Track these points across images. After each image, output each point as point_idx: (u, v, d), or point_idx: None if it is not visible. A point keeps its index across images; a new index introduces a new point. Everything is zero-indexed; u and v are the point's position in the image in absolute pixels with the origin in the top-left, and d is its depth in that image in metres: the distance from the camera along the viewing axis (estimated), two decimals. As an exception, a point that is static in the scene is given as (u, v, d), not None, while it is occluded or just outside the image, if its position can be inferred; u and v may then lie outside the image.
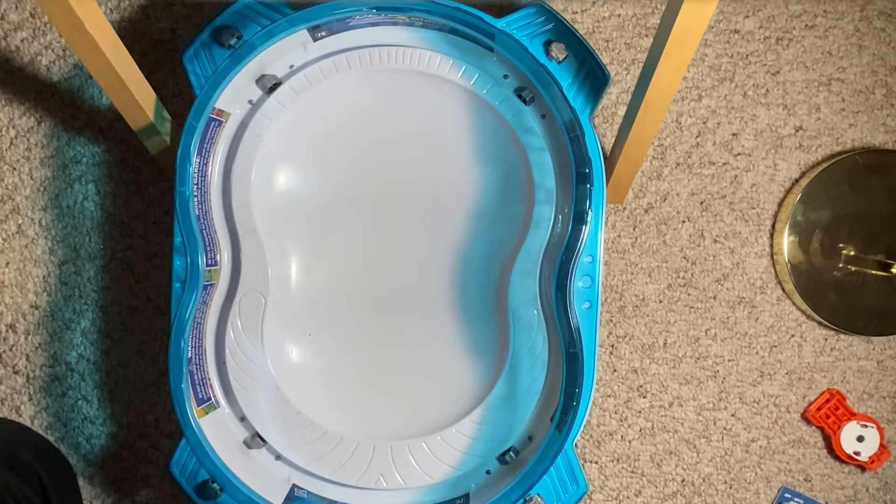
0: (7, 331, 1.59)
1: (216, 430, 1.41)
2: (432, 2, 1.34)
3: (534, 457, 1.38)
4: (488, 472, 1.43)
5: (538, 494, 1.36)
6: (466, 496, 1.41)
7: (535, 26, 1.38)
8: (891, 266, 1.62)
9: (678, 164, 1.64)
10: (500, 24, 1.36)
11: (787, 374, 1.65)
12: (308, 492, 1.42)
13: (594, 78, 1.39)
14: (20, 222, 1.59)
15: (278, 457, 1.43)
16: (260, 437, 1.42)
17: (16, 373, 1.59)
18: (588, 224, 1.37)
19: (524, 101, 1.41)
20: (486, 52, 1.42)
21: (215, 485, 1.36)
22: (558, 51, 1.38)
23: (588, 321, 1.39)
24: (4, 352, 1.59)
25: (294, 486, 1.42)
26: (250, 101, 1.43)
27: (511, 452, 1.41)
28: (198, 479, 1.38)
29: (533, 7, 1.38)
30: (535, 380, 1.43)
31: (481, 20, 1.35)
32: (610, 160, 1.53)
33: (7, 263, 1.59)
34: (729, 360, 1.64)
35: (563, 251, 1.39)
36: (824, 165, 1.62)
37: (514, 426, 1.42)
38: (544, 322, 1.43)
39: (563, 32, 1.38)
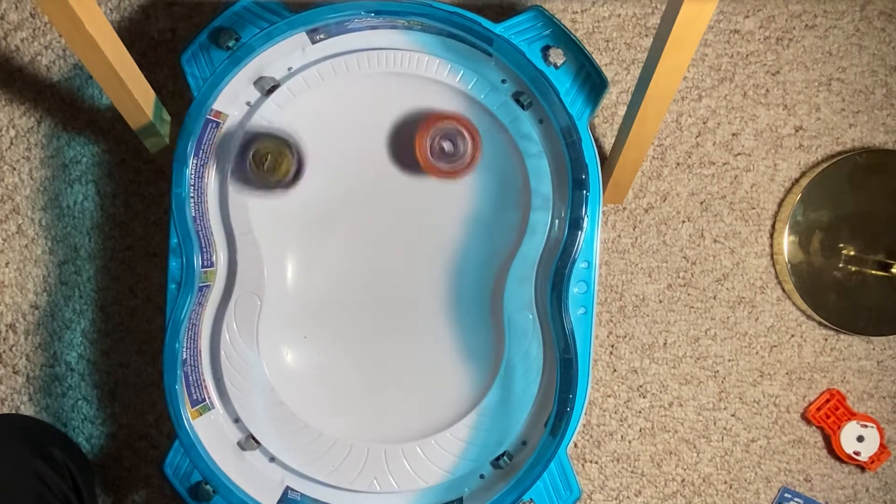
0: (7, 331, 1.60)
1: (210, 432, 1.41)
2: (430, 6, 1.34)
3: (527, 461, 1.38)
4: (482, 477, 1.43)
5: (531, 499, 1.36)
6: (460, 500, 1.41)
7: (534, 31, 1.38)
8: (891, 266, 1.62)
9: (678, 164, 1.64)
10: (499, 29, 1.35)
11: (787, 374, 1.65)
12: (301, 494, 1.42)
13: (592, 83, 1.38)
14: (20, 222, 1.59)
15: (272, 459, 1.43)
16: (254, 438, 1.42)
17: (16, 373, 1.60)
18: (584, 230, 1.37)
19: (522, 106, 1.41)
20: (484, 56, 1.41)
21: (208, 486, 1.36)
22: (556, 56, 1.37)
23: (583, 327, 1.38)
24: (4, 352, 1.60)
25: (287, 488, 1.42)
26: (248, 103, 1.43)
27: (505, 457, 1.41)
28: (191, 481, 1.38)
29: (531, 12, 1.38)
30: (529, 385, 1.43)
31: (479, 25, 1.34)
32: (610, 160, 1.53)
33: (7, 263, 1.59)
34: (729, 360, 1.64)
35: (558, 257, 1.39)
36: (824, 165, 1.62)
37: (508, 431, 1.42)
38: (539, 327, 1.43)
39: (562, 38, 1.38)
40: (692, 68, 1.64)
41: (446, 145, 1.44)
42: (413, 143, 1.45)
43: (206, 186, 1.42)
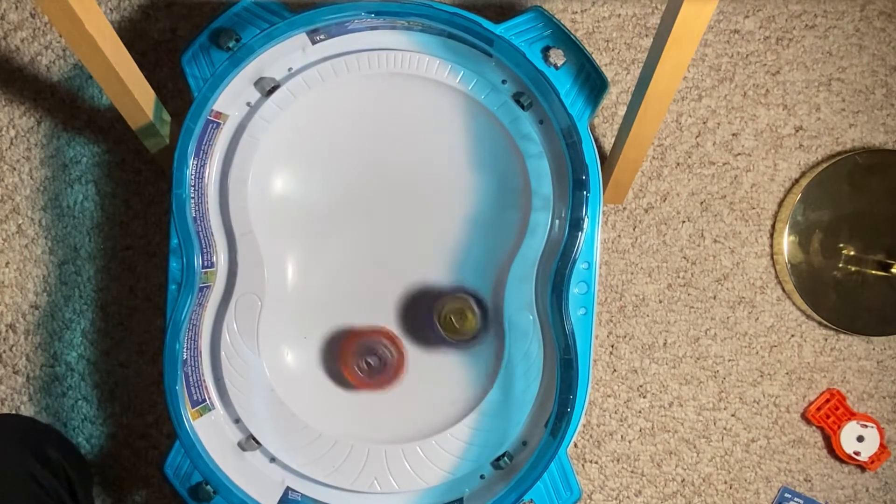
0: (7, 331, 1.59)
1: (210, 432, 1.41)
2: (431, 7, 1.34)
3: (528, 462, 1.38)
4: (482, 477, 1.42)
5: (532, 500, 1.36)
6: (460, 500, 1.41)
7: (534, 32, 1.37)
8: (891, 266, 1.62)
9: (678, 164, 1.64)
10: (499, 29, 1.35)
11: (787, 374, 1.65)
12: (302, 494, 1.42)
13: (592, 84, 1.38)
14: (20, 222, 1.59)
15: (272, 459, 1.43)
16: (254, 439, 1.42)
17: (16, 373, 1.59)
18: (584, 231, 1.37)
19: (522, 107, 1.41)
20: (484, 56, 1.41)
21: (209, 487, 1.36)
22: (556, 57, 1.37)
23: (583, 327, 1.38)
24: (4, 352, 1.60)
25: (288, 488, 1.42)
26: (248, 104, 1.43)
27: (505, 457, 1.41)
28: (192, 481, 1.38)
29: (531, 13, 1.38)
30: (529, 385, 1.43)
31: (480, 26, 1.34)
32: (610, 160, 1.53)
33: (7, 263, 1.59)
34: (729, 360, 1.64)
35: (559, 257, 1.39)
36: (824, 165, 1.62)
37: (508, 431, 1.42)
38: (539, 328, 1.43)
39: (562, 38, 1.38)
40: (692, 68, 1.64)
41: (372, 360, 1.48)
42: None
43: (206, 187, 1.42)
